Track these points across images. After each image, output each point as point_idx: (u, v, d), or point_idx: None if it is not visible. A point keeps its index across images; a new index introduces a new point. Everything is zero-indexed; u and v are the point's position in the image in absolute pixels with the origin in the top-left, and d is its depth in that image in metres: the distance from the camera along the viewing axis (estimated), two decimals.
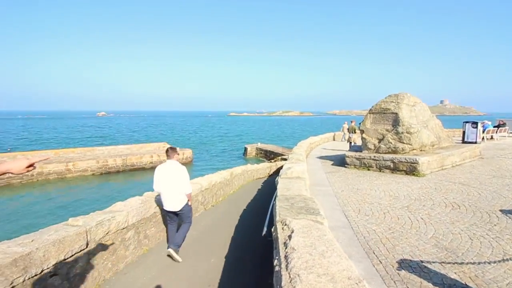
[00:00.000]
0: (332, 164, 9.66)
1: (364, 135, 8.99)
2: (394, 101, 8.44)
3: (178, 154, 4.15)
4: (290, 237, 1.90)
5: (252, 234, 4.94)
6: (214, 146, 41.94)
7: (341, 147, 15.61)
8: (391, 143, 8.13)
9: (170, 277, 3.40)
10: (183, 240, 3.95)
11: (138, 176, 23.01)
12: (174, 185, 3.80)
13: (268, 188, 9.83)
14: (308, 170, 6.46)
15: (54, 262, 2.47)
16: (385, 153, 8.17)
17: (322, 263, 1.51)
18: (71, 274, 2.72)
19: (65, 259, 2.61)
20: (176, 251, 3.76)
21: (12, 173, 1.32)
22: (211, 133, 65.94)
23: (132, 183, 20.55)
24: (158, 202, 4.27)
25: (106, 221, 3.17)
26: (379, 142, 8.51)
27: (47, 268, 2.42)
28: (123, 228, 3.53)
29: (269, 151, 29.85)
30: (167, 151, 4.18)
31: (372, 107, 9.00)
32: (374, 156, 8.12)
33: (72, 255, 2.70)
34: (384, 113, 8.52)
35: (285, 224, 2.16)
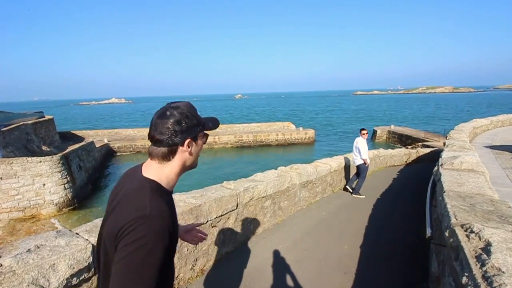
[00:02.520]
0: None
1: None
2: None
3: (365, 131, 6.46)
4: (487, 251, 1.37)
5: (393, 228, 4.30)
6: (337, 127, 40.13)
7: None
8: None
9: (301, 253, 3.44)
10: (360, 188, 6.18)
11: (265, 151, 25.39)
12: (357, 150, 6.28)
13: (407, 179, 8.35)
14: None
15: (215, 216, 2.97)
16: None
17: None
18: (225, 227, 3.21)
19: (222, 215, 3.09)
20: (354, 193, 6.17)
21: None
22: (335, 113, 63.29)
23: (261, 157, 23.00)
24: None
25: (250, 188, 3.52)
26: None
27: (210, 220, 2.93)
28: (263, 197, 3.84)
29: (406, 135, 25.45)
30: (361, 130, 6.52)
31: None
32: None
33: (227, 213, 3.17)
34: None
35: (472, 232, 1.60)
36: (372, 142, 28.83)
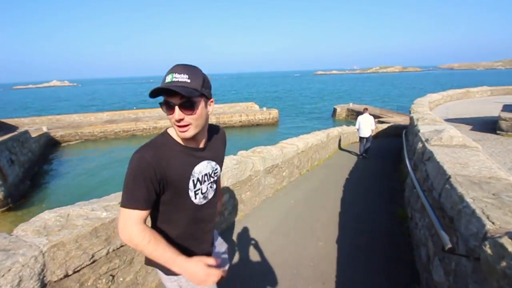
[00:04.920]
0: (472, 130, 7.10)
1: None
2: None
3: (367, 109, 8.25)
4: None
5: (367, 213, 3.84)
6: (299, 107, 40.41)
7: (476, 108, 11.79)
8: None
9: (269, 260, 2.77)
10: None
11: (229, 133, 24.28)
12: (366, 125, 7.76)
13: (373, 157, 8.22)
14: None
15: None
16: None
17: None
18: None
19: None
20: (365, 156, 7.90)
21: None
22: (297, 93, 63.82)
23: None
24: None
25: None
26: None
27: None
28: None
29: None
30: (365, 109, 8.32)
31: None
32: None
33: None
34: None
35: None
36: (333, 119, 29.50)
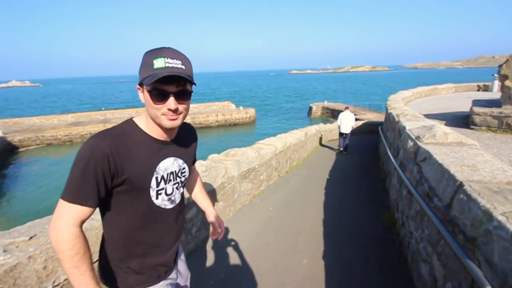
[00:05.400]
0: (446, 125, 7.15)
1: (508, 83, 6.09)
2: None
3: (348, 108, 8.69)
4: None
5: (354, 220, 3.51)
6: (276, 106, 40.39)
7: (445, 104, 12.20)
8: None
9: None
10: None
11: (205, 133, 23.46)
12: (347, 122, 8.08)
13: (351, 154, 8.07)
14: None
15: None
16: None
17: None
18: None
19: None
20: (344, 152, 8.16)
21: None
22: (273, 92, 63.96)
23: (201, 139, 21.04)
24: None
25: None
26: None
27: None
28: None
29: (338, 110, 26.81)
30: (346, 107, 8.75)
31: None
32: None
33: None
34: None
35: None
36: (309, 117, 29.74)
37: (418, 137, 2.54)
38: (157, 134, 0.94)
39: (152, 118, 0.89)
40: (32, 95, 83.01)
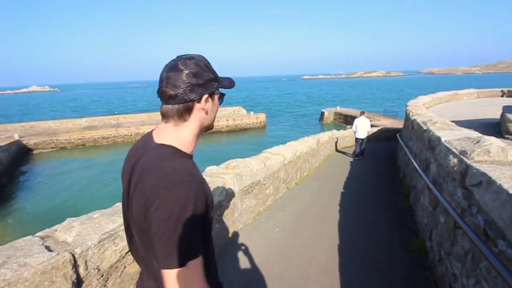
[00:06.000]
0: None
1: None
2: None
3: (364, 113, 8.52)
4: None
5: (376, 251, 2.94)
6: (287, 111, 39.84)
7: (469, 110, 11.35)
8: None
9: None
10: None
11: (215, 139, 23.19)
12: (363, 127, 8.01)
13: (367, 163, 7.45)
14: None
15: None
16: None
17: None
18: None
19: None
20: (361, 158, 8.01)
21: None
22: (284, 97, 63.43)
23: (210, 147, 20.76)
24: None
25: None
26: None
27: None
28: None
29: (351, 115, 25.95)
30: (362, 112, 8.59)
31: None
32: None
33: None
34: None
35: None
36: (321, 123, 29.03)
37: (463, 152, 2.00)
38: (192, 149, 0.86)
39: (209, 123, 0.87)
40: (52, 100, 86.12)
